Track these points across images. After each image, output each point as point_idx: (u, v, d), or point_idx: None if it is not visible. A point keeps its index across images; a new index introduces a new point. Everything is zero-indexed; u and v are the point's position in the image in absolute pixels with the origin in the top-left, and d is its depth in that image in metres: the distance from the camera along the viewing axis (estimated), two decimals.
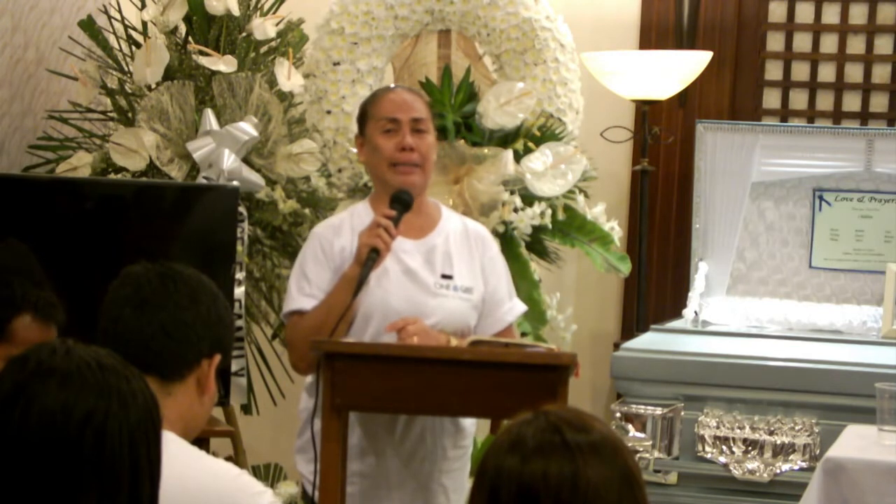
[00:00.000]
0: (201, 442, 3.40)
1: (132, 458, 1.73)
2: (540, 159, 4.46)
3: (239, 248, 4.31)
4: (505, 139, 4.50)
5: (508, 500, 1.73)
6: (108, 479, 1.71)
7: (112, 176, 4.51)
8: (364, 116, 3.57)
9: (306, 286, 3.46)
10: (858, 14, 5.50)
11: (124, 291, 2.35)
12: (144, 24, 4.69)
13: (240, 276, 4.34)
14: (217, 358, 2.36)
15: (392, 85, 3.98)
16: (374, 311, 3.42)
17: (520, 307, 3.63)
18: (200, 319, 2.33)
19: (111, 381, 1.74)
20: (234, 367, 4.33)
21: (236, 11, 4.61)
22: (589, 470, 1.73)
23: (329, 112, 4.61)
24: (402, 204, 3.39)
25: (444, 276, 3.48)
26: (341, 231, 3.50)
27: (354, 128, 4.47)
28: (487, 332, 3.51)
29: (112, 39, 4.79)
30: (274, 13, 4.78)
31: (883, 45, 5.50)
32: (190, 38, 4.68)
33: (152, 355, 2.29)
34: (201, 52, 4.56)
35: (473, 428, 3.61)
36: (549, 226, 4.47)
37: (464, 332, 3.48)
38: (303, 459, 3.53)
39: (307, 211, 4.67)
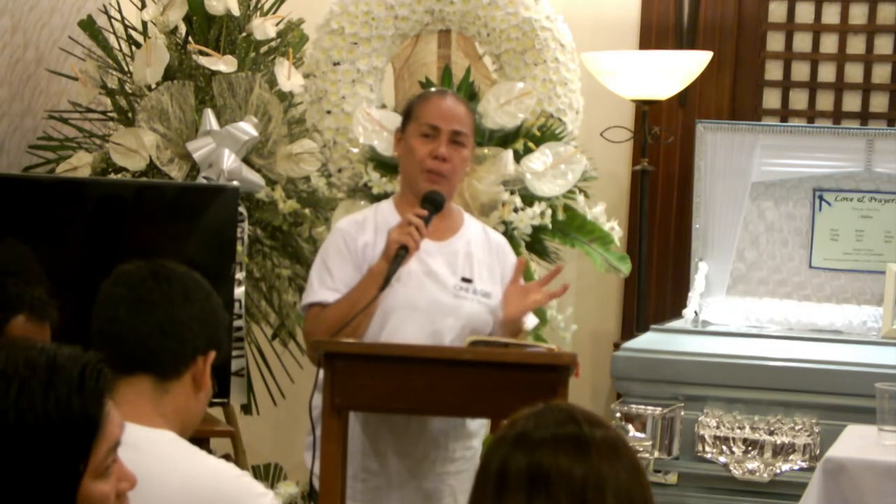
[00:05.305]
0: (201, 442, 3.41)
1: None
2: (540, 159, 4.46)
3: (239, 248, 4.31)
4: (505, 139, 4.50)
5: (517, 487, 1.72)
6: None
7: (112, 176, 4.51)
8: (409, 114, 3.59)
9: (328, 279, 3.47)
10: (858, 14, 5.50)
11: (118, 291, 2.35)
12: (144, 24, 4.69)
13: (240, 276, 4.34)
14: (212, 354, 2.37)
15: (445, 89, 3.96)
16: (394, 310, 3.44)
17: (532, 320, 3.65)
18: (195, 317, 2.34)
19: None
20: (234, 367, 4.33)
21: (236, 11, 4.61)
22: (603, 462, 1.73)
23: (329, 112, 4.61)
24: (433, 204, 3.43)
25: (465, 280, 3.51)
26: (365, 227, 3.53)
27: (354, 128, 4.50)
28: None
29: (112, 39, 4.79)
30: (274, 13, 4.78)
31: (883, 45, 5.50)
32: (190, 38, 4.68)
33: (149, 354, 2.30)
34: (201, 52, 4.56)
35: (483, 430, 3.63)
36: (549, 226, 4.47)
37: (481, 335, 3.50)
38: (311, 456, 3.54)
39: (307, 211, 4.67)
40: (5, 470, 1.73)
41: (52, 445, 1.75)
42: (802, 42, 5.56)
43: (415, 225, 3.35)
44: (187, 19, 4.66)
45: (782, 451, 4.53)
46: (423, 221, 3.37)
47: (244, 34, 4.69)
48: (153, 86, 4.56)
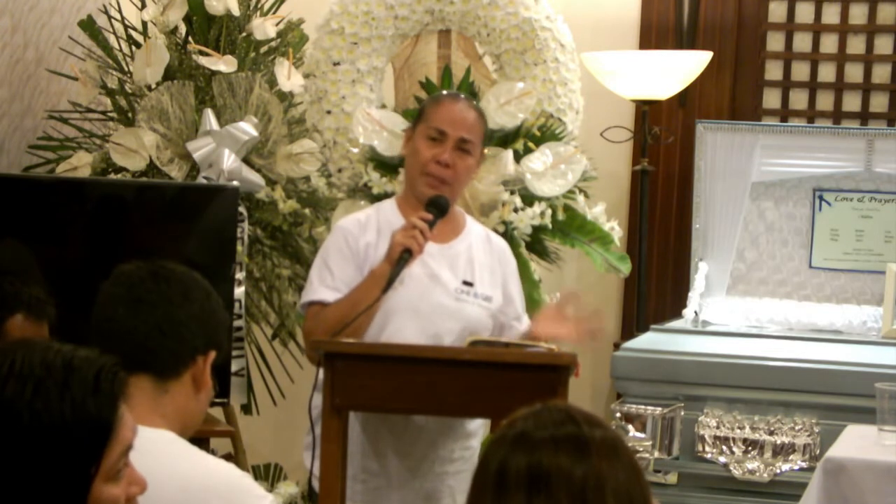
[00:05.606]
0: (201, 442, 3.41)
1: None
2: (540, 159, 4.46)
3: (239, 248, 4.31)
4: (505, 139, 4.50)
5: (517, 487, 1.72)
6: None
7: (112, 176, 4.51)
8: (421, 114, 3.59)
9: (329, 278, 3.46)
10: (858, 14, 5.50)
11: (117, 290, 2.35)
12: (144, 24, 4.69)
13: (240, 276, 4.33)
14: (212, 354, 2.36)
15: (459, 94, 3.92)
16: (395, 312, 3.43)
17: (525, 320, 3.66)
18: (194, 317, 2.34)
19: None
20: (234, 367, 4.33)
21: (236, 11, 4.61)
22: (603, 462, 1.73)
23: (329, 112, 4.61)
24: (437, 208, 3.43)
25: (466, 283, 3.51)
26: (367, 228, 3.52)
27: (354, 128, 4.50)
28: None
29: (112, 39, 4.79)
30: (274, 13, 4.78)
31: (883, 45, 5.50)
32: (190, 38, 4.68)
33: (148, 354, 2.30)
34: (201, 52, 4.56)
35: (482, 430, 3.64)
36: (549, 226, 4.47)
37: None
38: (310, 456, 3.55)
39: (307, 211, 4.67)
40: (18, 470, 1.73)
41: (66, 447, 1.75)
42: (802, 42, 5.56)
43: (419, 228, 3.35)
44: (187, 19, 4.66)
45: (782, 451, 4.53)
46: (427, 225, 3.37)
47: (244, 34, 4.69)
48: (153, 86, 4.56)
